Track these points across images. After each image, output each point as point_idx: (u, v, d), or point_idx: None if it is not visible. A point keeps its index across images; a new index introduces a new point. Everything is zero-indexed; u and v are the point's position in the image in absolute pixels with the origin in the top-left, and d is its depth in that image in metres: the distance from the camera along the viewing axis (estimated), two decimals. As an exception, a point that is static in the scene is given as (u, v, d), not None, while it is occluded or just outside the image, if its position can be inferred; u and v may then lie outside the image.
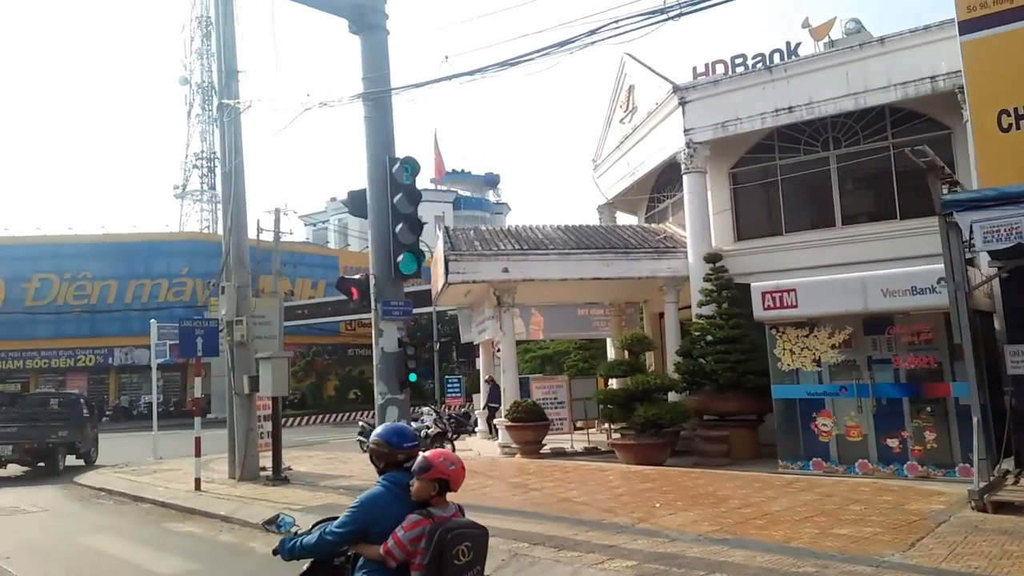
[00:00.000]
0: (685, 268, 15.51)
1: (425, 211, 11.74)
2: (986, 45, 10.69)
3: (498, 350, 17.20)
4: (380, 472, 3.73)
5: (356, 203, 10.08)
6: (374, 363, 9.92)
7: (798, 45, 15.09)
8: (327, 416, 36.88)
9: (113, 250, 40.99)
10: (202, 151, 54.00)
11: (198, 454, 12.69)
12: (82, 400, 21.14)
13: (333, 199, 58.66)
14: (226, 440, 13.96)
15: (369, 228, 10.03)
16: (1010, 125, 10.39)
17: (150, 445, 19.28)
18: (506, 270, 15.20)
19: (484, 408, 20.01)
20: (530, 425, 15.14)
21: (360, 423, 20.73)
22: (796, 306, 10.97)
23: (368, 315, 10.84)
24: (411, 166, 9.63)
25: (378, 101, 10.04)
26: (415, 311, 13.61)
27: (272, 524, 3.88)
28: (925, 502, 8.29)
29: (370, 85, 10.13)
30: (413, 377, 9.68)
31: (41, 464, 17.17)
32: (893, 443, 10.27)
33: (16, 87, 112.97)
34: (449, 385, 27.85)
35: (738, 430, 13.16)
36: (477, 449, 16.97)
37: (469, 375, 33.80)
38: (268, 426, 14.09)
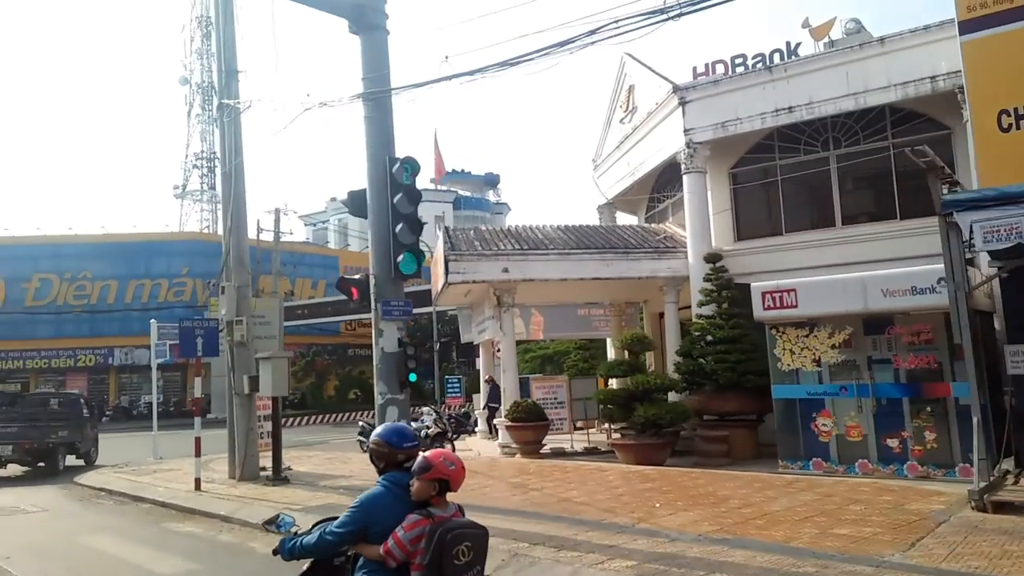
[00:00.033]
0: (685, 268, 15.52)
1: (425, 211, 11.74)
2: (986, 45, 10.69)
3: (498, 350, 17.20)
4: (380, 472, 3.73)
5: (356, 203, 10.08)
6: (374, 363, 9.92)
7: (798, 45, 15.10)
8: (327, 416, 36.87)
9: (113, 250, 40.99)
10: (202, 151, 54.04)
11: (198, 454, 12.70)
12: (82, 400, 21.14)
13: (333, 199, 58.68)
14: (226, 440, 13.97)
15: (369, 228, 10.03)
16: (1010, 125, 10.40)
17: (150, 445, 19.30)
18: (506, 270, 15.21)
19: (484, 408, 20.01)
20: (530, 425, 15.15)
21: (360, 423, 20.72)
22: (796, 306, 10.97)
23: (368, 315, 10.85)
24: (411, 166, 9.64)
25: (378, 101, 10.05)
26: (415, 311, 13.61)
27: (272, 524, 3.88)
28: (925, 502, 8.30)
29: (370, 85, 10.13)
30: (413, 377, 9.69)
31: (41, 464, 17.18)
32: (893, 443, 10.28)
33: (16, 87, 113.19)
34: (449, 385, 27.85)
35: (738, 430, 13.16)
36: (477, 449, 16.97)
37: (469, 375, 33.79)
38: (268, 426, 14.10)
